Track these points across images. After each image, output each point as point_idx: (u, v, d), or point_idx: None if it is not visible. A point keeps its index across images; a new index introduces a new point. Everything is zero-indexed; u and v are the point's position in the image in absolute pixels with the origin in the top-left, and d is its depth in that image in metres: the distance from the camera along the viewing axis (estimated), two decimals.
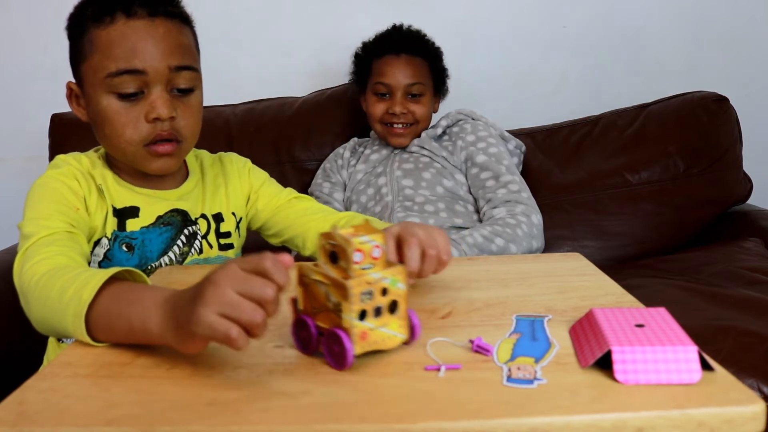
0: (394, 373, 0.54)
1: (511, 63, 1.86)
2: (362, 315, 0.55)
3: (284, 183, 1.15)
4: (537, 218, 1.36)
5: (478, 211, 1.43)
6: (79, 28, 0.90)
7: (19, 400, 0.51)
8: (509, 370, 0.53)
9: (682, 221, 1.55)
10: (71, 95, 0.94)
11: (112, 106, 0.88)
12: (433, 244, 0.71)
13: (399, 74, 1.48)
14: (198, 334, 0.52)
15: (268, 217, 1.06)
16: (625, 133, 1.62)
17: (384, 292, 0.57)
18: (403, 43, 1.51)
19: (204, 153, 1.08)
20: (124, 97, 0.87)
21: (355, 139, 1.64)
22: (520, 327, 0.63)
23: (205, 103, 1.94)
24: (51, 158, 1.62)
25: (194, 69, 0.92)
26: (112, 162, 0.97)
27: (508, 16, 1.85)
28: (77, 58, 0.91)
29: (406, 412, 0.47)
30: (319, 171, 1.60)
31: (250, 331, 0.51)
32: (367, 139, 1.65)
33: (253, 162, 1.14)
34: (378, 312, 0.56)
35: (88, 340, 0.62)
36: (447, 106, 1.64)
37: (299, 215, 1.03)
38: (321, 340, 0.58)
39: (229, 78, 1.84)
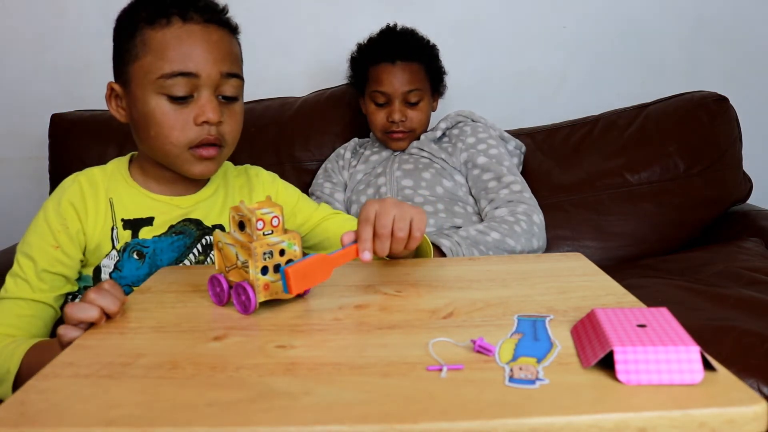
0: (395, 374, 0.54)
1: (511, 63, 1.86)
2: (264, 270, 0.68)
3: None
4: (538, 217, 1.36)
5: (477, 212, 1.43)
6: (129, 28, 0.90)
7: (21, 400, 0.51)
8: (511, 370, 0.53)
9: (682, 221, 1.55)
10: (111, 95, 0.94)
11: (161, 108, 0.88)
12: (403, 227, 0.77)
13: (396, 82, 1.48)
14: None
15: (306, 232, 1.07)
16: (624, 133, 1.62)
17: (282, 252, 0.70)
18: (398, 50, 1.49)
19: (229, 164, 1.08)
20: (174, 99, 0.88)
21: (356, 139, 1.64)
22: (522, 327, 0.63)
23: None
24: (51, 158, 1.62)
25: (241, 78, 0.94)
26: (139, 166, 0.98)
27: (507, 16, 1.85)
28: (125, 58, 0.90)
29: (408, 413, 0.47)
30: (320, 171, 1.60)
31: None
32: (368, 139, 1.65)
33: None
34: (277, 268, 0.69)
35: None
36: (447, 106, 1.63)
37: (339, 229, 1.04)
38: (231, 292, 0.70)
39: None
